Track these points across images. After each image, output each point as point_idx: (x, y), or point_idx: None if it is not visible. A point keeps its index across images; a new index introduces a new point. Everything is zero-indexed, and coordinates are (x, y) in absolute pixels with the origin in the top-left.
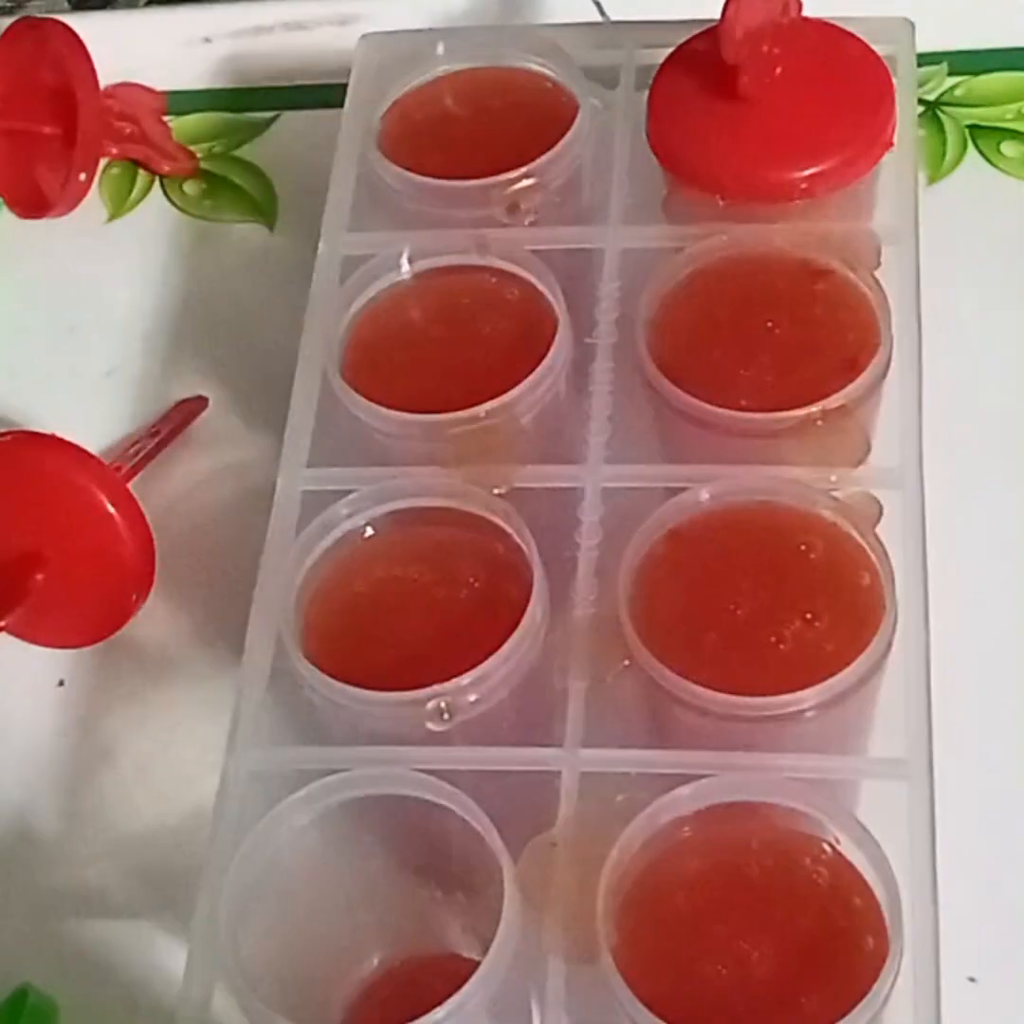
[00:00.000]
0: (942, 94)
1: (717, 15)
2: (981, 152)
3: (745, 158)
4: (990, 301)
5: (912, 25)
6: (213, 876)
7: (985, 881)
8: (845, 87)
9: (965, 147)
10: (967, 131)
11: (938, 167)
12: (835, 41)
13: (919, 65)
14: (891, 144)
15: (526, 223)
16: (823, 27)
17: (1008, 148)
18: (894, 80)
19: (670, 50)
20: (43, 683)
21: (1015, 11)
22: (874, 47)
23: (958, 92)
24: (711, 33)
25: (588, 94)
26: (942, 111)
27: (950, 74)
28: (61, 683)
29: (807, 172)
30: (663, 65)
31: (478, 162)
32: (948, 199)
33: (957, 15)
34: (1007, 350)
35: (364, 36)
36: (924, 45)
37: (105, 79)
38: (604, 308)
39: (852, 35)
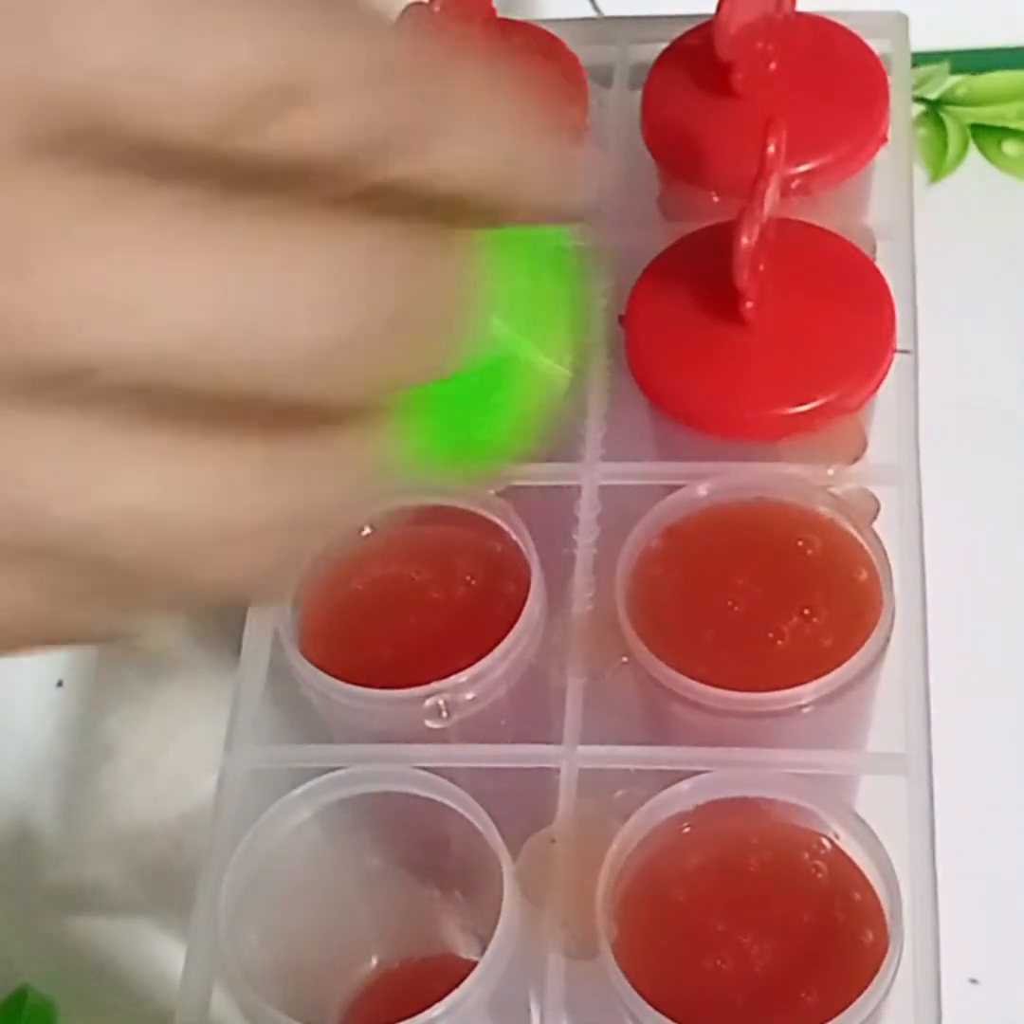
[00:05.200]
0: (943, 93)
1: (711, 10)
2: (982, 151)
3: (739, 153)
4: (990, 300)
5: (906, 19)
6: (212, 874)
7: (985, 879)
8: (839, 82)
9: (966, 146)
10: (968, 130)
11: (939, 166)
12: (829, 36)
13: (921, 64)
14: (885, 139)
15: None
16: (817, 22)
17: (1009, 147)
18: (888, 75)
19: (664, 45)
20: (43, 683)
21: (1017, 10)
22: (868, 42)
23: (960, 91)
24: (705, 29)
25: None
26: (944, 110)
27: (952, 73)
28: (60, 683)
29: (802, 168)
30: (657, 61)
31: None
32: (949, 199)
33: (959, 14)
34: (1006, 348)
35: None
36: (926, 44)
37: None
38: (599, 306)
39: (846, 30)
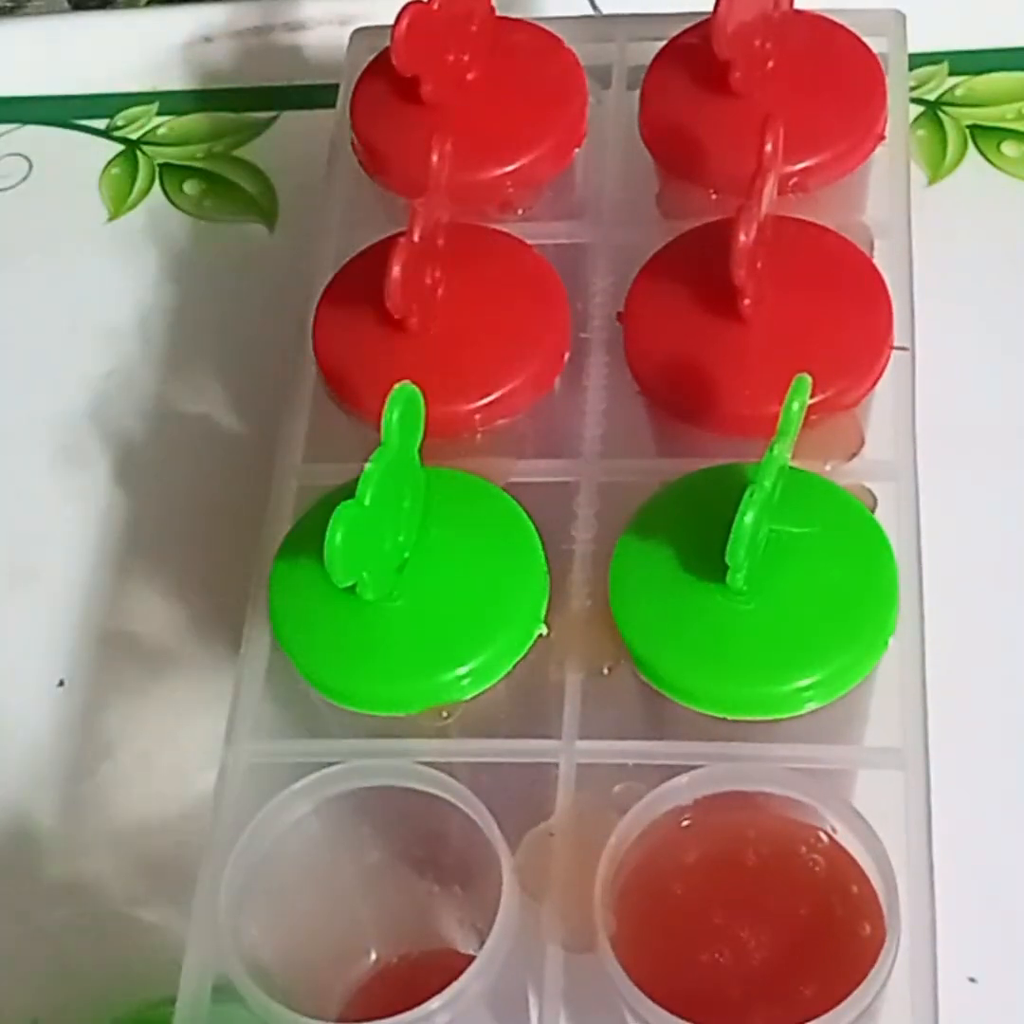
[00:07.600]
0: (942, 94)
1: (709, 8)
2: (981, 152)
3: (737, 151)
4: (989, 301)
5: (904, 17)
6: (211, 869)
7: (984, 877)
8: (837, 80)
9: (965, 147)
10: (967, 131)
11: (938, 167)
12: (826, 34)
13: (920, 65)
14: (883, 137)
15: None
16: (815, 20)
17: (1008, 148)
18: (886, 73)
19: (662, 44)
20: (44, 683)
21: (1016, 11)
22: (866, 40)
23: (958, 92)
24: (703, 27)
25: None
26: (942, 111)
27: (950, 74)
28: (61, 683)
29: (799, 166)
30: (655, 59)
31: None
32: (948, 199)
33: (958, 15)
34: (1005, 348)
35: (356, 31)
36: (925, 45)
37: (103, 79)
38: (598, 303)
39: (844, 28)
